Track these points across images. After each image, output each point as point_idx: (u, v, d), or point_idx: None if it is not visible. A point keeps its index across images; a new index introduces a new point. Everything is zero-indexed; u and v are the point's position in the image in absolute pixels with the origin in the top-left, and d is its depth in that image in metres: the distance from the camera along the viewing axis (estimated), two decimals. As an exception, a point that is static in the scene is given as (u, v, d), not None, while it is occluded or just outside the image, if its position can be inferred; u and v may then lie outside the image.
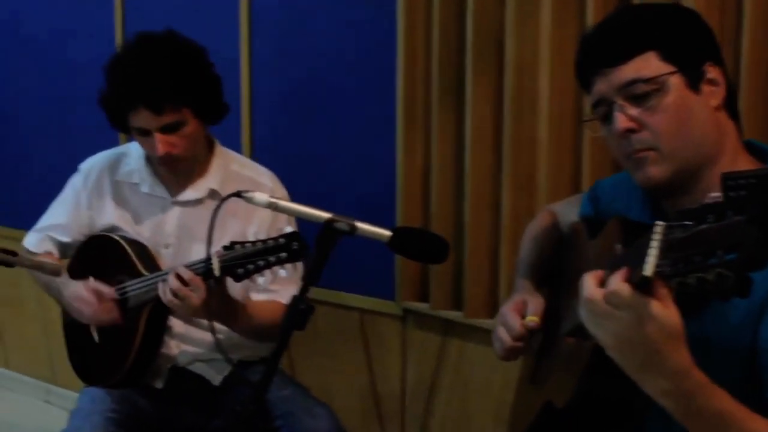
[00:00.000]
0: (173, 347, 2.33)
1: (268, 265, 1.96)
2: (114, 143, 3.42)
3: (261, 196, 1.67)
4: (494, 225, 2.57)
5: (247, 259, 1.96)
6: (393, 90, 2.75)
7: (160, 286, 2.05)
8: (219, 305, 2.09)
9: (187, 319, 2.31)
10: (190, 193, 2.34)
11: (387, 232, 1.64)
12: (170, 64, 2.15)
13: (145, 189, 2.35)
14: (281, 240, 1.95)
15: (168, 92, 2.12)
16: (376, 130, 2.84)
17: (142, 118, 2.15)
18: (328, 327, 3.00)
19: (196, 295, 2.00)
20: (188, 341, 2.34)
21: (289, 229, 2.00)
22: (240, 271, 1.97)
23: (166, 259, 2.32)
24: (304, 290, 1.63)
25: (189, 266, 2.04)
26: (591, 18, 2.31)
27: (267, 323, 2.22)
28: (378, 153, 2.83)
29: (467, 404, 2.75)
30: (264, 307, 2.25)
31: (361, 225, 1.62)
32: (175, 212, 2.35)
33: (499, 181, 2.54)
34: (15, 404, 4.08)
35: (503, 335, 1.66)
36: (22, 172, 3.97)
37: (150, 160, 2.35)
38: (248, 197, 1.67)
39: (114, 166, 2.40)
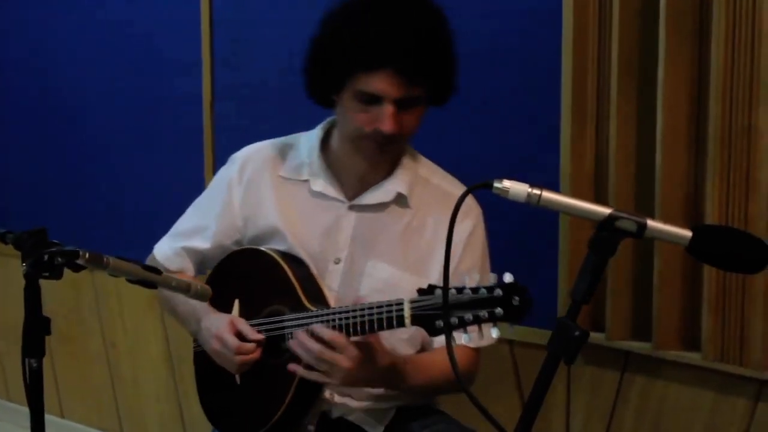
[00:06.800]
0: (327, 394, 1.97)
1: (477, 321, 1.59)
2: (199, 152, 3.01)
3: (519, 187, 1.37)
4: (694, 237, 2.12)
5: (450, 310, 1.62)
6: (558, 73, 2.31)
7: (298, 350, 1.78)
8: (378, 366, 1.79)
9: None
10: (372, 196, 1.97)
11: (687, 233, 1.37)
12: (433, 29, 1.83)
13: (317, 187, 1.98)
14: (498, 291, 1.58)
15: (426, 62, 1.80)
16: (533, 125, 2.42)
17: (383, 83, 1.80)
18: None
19: (345, 356, 1.73)
20: (347, 392, 1.98)
21: (508, 277, 1.57)
22: (439, 323, 1.64)
23: (334, 277, 1.97)
24: (574, 311, 1.35)
25: (372, 309, 1.73)
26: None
27: (443, 379, 1.88)
28: (537, 152, 2.41)
29: (654, 456, 2.34)
30: (441, 356, 1.84)
31: (654, 224, 1.37)
32: (351, 219, 1.99)
33: (702, 183, 2.16)
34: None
35: None
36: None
37: (327, 150, 1.99)
38: (503, 188, 1.36)
39: (278, 158, 2.03)
